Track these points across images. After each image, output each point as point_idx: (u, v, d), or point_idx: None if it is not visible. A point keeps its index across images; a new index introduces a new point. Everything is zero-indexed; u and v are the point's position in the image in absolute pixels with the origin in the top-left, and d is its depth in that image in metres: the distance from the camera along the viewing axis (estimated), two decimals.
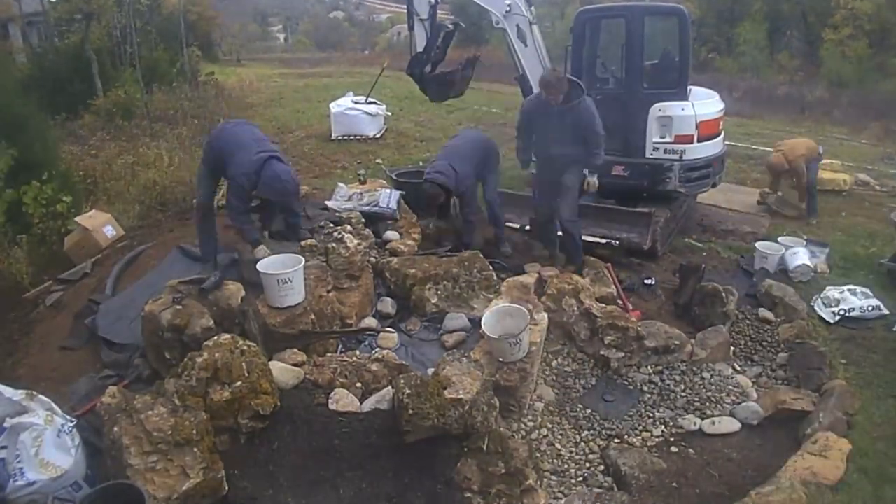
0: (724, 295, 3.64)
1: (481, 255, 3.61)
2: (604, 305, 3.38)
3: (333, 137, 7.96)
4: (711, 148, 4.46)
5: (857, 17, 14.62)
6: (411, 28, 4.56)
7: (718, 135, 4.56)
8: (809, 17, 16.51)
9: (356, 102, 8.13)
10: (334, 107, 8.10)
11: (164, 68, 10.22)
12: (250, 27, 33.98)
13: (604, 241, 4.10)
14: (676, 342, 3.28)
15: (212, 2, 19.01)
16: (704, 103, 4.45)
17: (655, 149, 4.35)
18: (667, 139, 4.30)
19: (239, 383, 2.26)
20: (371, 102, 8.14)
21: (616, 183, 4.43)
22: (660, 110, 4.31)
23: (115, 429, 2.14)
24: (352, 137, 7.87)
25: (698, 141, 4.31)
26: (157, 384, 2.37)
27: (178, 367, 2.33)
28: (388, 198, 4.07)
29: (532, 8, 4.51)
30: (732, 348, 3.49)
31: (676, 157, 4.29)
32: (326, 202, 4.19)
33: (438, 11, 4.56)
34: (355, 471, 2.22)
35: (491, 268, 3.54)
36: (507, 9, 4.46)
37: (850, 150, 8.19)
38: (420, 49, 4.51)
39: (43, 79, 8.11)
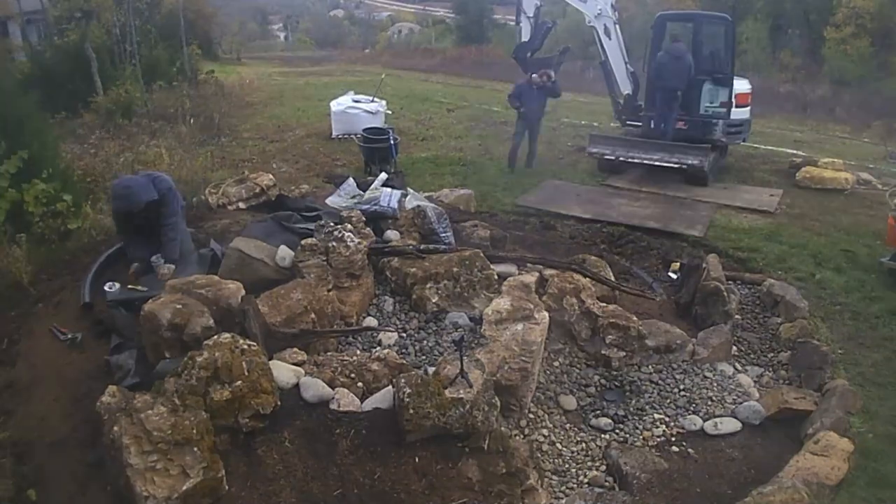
0: (725, 294, 3.63)
1: (482, 255, 3.60)
2: (605, 304, 3.37)
3: (334, 136, 7.95)
4: (743, 113, 6.61)
5: (860, 16, 14.57)
6: (518, 22, 6.27)
7: (748, 105, 6.67)
8: (811, 15, 16.46)
9: (357, 101, 8.12)
10: (335, 105, 8.08)
11: (164, 67, 10.19)
12: (250, 25, 33.90)
13: (676, 165, 6.03)
14: (678, 341, 3.28)
15: None
16: (739, 82, 6.53)
17: (706, 110, 6.41)
18: (715, 104, 6.38)
19: (239, 382, 2.25)
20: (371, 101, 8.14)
21: (678, 132, 6.40)
22: (710, 84, 6.39)
23: (115, 428, 2.13)
24: (352, 136, 7.86)
25: (735, 107, 6.38)
26: (157, 384, 2.36)
27: (179, 367, 2.33)
28: (388, 197, 4.06)
29: (616, 12, 6.53)
30: (734, 348, 3.48)
31: (721, 116, 6.40)
32: (327, 200, 4.18)
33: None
34: (356, 470, 2.22)
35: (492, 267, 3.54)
36: (598, 12, 6.45)
37: (853, 148, 8.17)
38: (525, 39, 6.26)
39: (42, 77, 8.09)
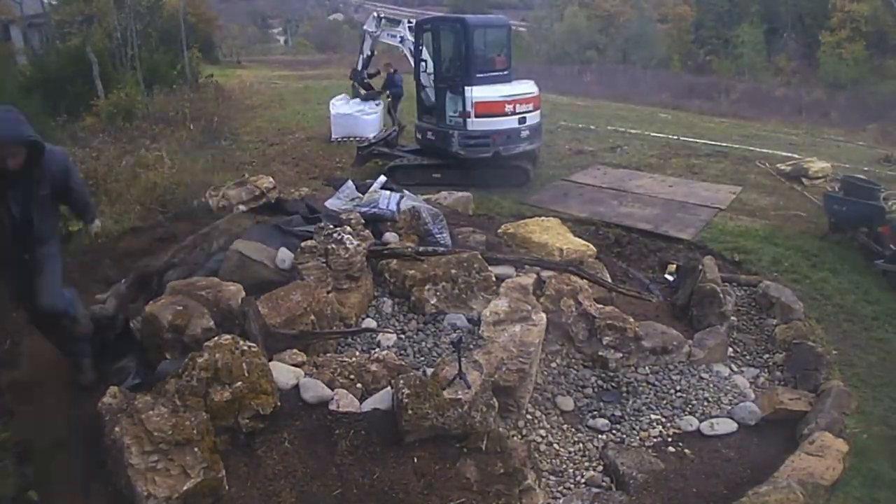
0: (721, 296, 3.66)
1: (480, 257, 3.63)
2: (602, 306, 3.40)
3: (333, 139, 8.00)
4: (493, 123, 5.96)
5: (854, 20, 14.72)
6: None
7: (503, 115, 5.99)
8: (806, 19, 16.63)
9: (356, 104, 8.18)
10: (334, 108, 8.14)
11: (165, 70, 10.27)
12: (250, 29, 34.09)
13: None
14: (674, 343, 3.30)
15: (212, 3, 19.10)
16: (489, 89, 6.00)
17: (450, 120, 6.16)
18: (454, 114, 6.12)
19: (239, 383, 2.28)
20: (370, 98, 8.22)
21: (428, 143, 6.36)
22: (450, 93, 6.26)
23: (116, 429, 2.15)
24: (351, 139, 7.91)
25: (476, 117, 5.92)
26: (158, 384, 2.38)
27: (179, 368, 2.35)
28: (387, 199, 4.10)
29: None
30: (730, 349, 3.51)
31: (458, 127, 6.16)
32: (326, 203, 4.21)
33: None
34: (355, 470, 2.24)
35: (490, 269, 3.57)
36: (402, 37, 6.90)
37: (848, 151, 8.23)
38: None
39: (44, 80, 8.16)
